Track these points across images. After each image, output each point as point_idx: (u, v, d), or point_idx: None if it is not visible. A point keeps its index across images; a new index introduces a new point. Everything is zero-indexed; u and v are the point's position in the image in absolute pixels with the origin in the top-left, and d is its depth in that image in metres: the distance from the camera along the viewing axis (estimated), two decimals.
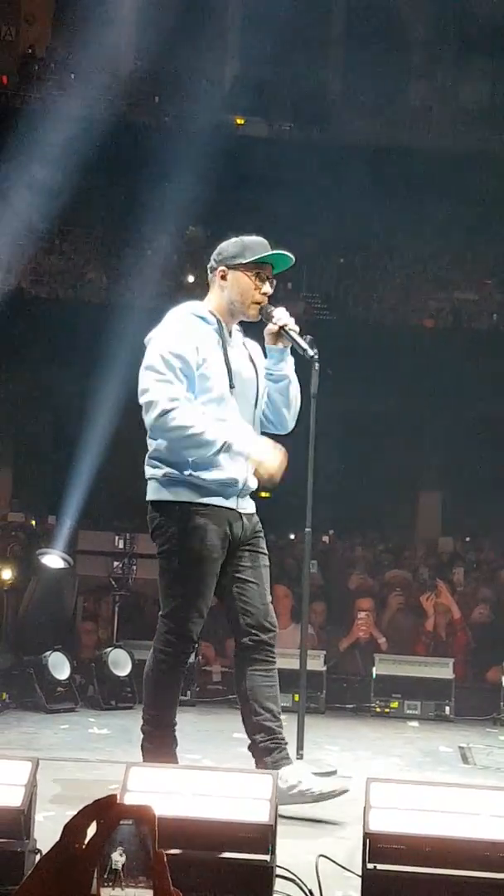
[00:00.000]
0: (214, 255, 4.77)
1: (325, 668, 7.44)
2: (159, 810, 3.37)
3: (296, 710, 5.76)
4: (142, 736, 4.70)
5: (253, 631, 4.60)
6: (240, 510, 4.61)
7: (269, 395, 4.74)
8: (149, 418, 4.50)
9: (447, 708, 7.22)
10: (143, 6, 15.25)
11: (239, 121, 17.53)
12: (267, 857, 3.41)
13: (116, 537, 8.78)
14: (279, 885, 3.41)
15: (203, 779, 3.61)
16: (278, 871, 3.45)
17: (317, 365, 5.53)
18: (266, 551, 4.76)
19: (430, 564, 12.66)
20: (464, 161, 16.05)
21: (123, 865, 1.80)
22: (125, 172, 16.02)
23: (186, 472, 4.52)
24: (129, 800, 3.48)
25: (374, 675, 7.44)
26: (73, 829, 1.57)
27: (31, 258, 17.11)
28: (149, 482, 4.65)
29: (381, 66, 15.69)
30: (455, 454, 17.60)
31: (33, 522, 13.44)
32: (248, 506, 4.69)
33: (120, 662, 7.60)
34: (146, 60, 17.14)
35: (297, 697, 5.89)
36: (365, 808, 3.47)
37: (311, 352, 4.70)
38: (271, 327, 4.66)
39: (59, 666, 7.47)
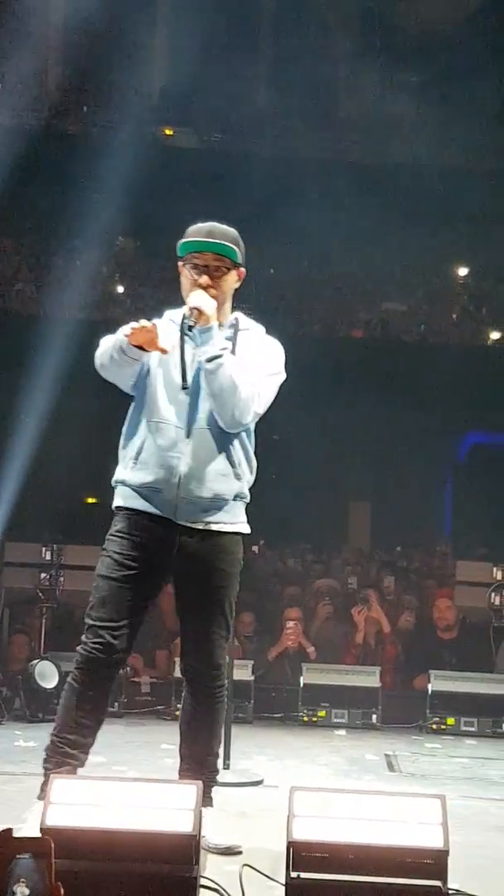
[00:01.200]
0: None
1: (252, 678, 7.44)
2: (80, 822, 3.36)
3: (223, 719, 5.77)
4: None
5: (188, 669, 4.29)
6: (179, 521, 4.12)
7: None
8: None
9: (374, 716, 7.27)
10: (72, 16, 15.21)
11: (168, 131, 17.53)
12: (191, 868, 3.40)
13: (43, 548, 8.73)
14: (204, 895, 3.41)
15: (127, 790, 3.59)
16: (203, 882, 3.45)
17: None
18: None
19: (358, 574, 12.71)
20: (392, 172, 16.18)
21: None
22: (54, 182, 15.95)
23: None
24: (53, 812, 3.45)
25: (301, 684, 7.46)
26: None
27: None
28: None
29: (309, 78, 15.76)
30: (384, 464, 17.71)
31: None
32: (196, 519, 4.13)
33: (47, 675, 7.55)
34: (74, 70, 17.09)
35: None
36: (288, 817, 3.48)
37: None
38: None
39: None
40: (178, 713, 7.37)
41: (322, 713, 7.32)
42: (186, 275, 4.24)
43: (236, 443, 4.20)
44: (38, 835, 1.77)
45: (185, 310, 4.18)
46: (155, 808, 3.49)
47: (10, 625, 8.99)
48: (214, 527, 4.13)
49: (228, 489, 4.15)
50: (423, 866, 3.43)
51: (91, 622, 4.12)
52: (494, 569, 9.42)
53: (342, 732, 7.12)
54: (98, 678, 4.16)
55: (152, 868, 3.39)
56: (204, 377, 4.11)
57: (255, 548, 14.57)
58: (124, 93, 17.34)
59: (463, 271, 18.99)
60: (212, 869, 3.50)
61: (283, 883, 3.41)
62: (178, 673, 7.55)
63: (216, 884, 3.42)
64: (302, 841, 3.44)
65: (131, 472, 4.17)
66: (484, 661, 8.38)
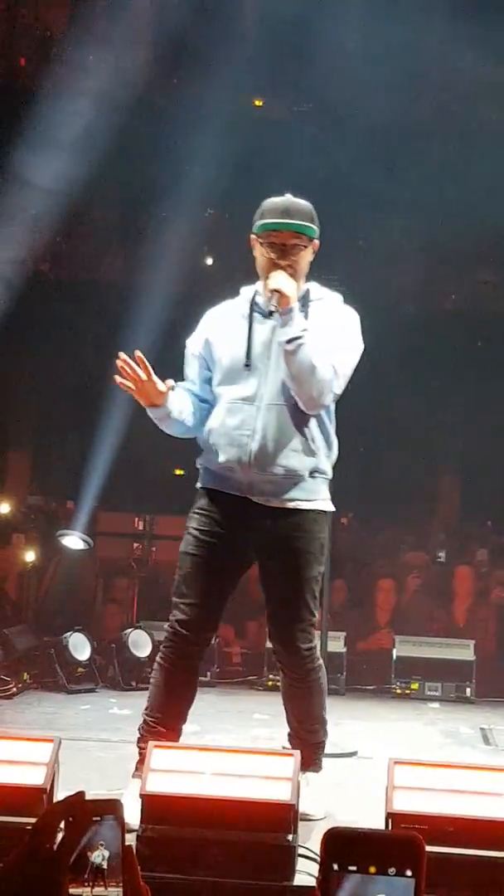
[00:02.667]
0: None
1: (345, 650, 7.43)
2: (180, 789, 3.39)
3: None
4: None
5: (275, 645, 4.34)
6: (254, 499, 4.11)
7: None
8: None
9: (468, 689, 7.21)
10: None
11: (257, 102, 17.45)
12: (289, 836, 3.42)
13: (136, 519, 8.80)
14: (301, 864, 3.42)
15: (225, 759, 3.61)
16: (300, 851, 3.45)
17: None
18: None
19: (448, 546, 12.62)
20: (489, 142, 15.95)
21: (107, 864, 1.80)
22: (144, 155, 15.98)
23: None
24: (153, 780, 3.48)
25: (394, 657, 7.43)
26: (41, 829, 1.53)
27: (48, 243, 17.11)
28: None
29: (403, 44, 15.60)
30: (476, 437, 17.54)
31: (53, 505, 13.47)
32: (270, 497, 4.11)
33: (140, 643, 7.62)
34: (164, 42, 17.07)
35: None
36: (388, 788, 3.47)
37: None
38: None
39: (80, 647, 7.50)
40: (269, 683, 7.46)
41: (415, 685, 7.29)
42: (262, 252, 4.20)
43: (312, 418, 4.13)
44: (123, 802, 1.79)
45: (259, 287, 4.21)
46: (253, 776, 3.52)
47: (104, 594, 9.09)
48: (290, 504, 4.09)
49: (302, 465, 4.09)
50: None
51: (175, 599, 4.14)
52: None
53: (436, 705, 7.09)
54: (185, 655, 4.19)
55: (251, 836, 3.41)
56: (283, 359, 4.05)
57: (343, 520, 14.58)
58: (214, 64, 17.28)
59: None
60: (307, 837, 3.50)
61: None
62: (269, 643, 7.62)
63: (314, 853, 3.42)
64: (401, 812, 3.44)
65: (207, 453, 4.20)
66: None
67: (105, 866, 1.90)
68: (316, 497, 4.15)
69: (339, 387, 4.13)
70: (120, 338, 12.55)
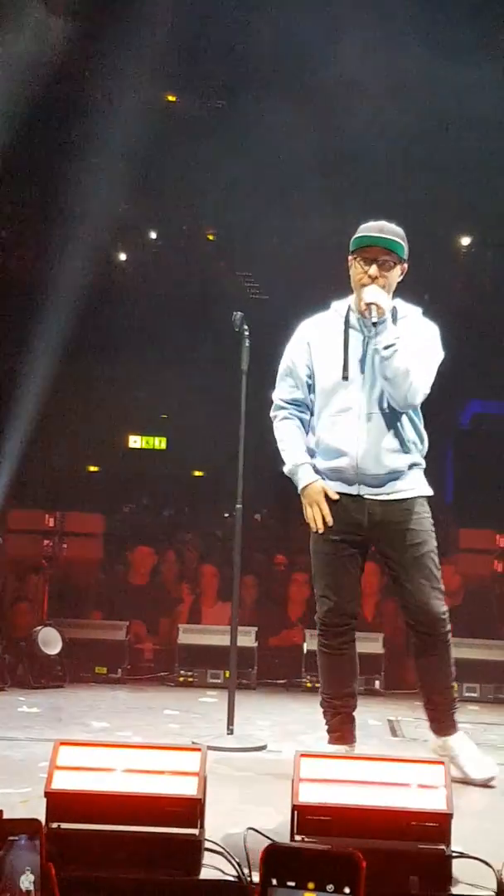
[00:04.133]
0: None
1: (256, 645, 7.46)
2: (87, 786, 3.39)
3: (227, 686, 5.80)
4: None
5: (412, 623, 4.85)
6: (364, 496, 4.73)
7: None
8: None
9: (377, 682, 7.27)
10: None
11: (170, 98, 17.41)
12: (196, 831, 3.42)
13: (47, 515, 8.75)
14: (208, 858, 3.43)
15: (133, 755, 3.61)
16: (207, 845, 3.46)
17: (247, 341, 5.62)
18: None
19: None
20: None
21: (34, 885, 1.79)
22: (55, 148, 15.86)
23: None
24: (58, 777, 3.47)
25: (304, 651, 7.47)
26: None
27: None
28: None
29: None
30: None
31: None
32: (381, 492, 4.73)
33: (50, 641, 7.57)
34: (75, 36, 16.95)
35: (227, 674, 5.92)
36: (294, 780, 3.50)
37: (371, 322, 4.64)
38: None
39: None
40: (180, 679, 7.46)
41: None
42: (357, 268, 4.72)
43: (404, 419, 4.77)
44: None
45: (352, 303, 4.75)
46: (160, 772, 3.52)
47: (13, 592, 9.02)
48: (395, 495, 4.75)
49: (402, 462, 4.76)
50: (426, 829, 3.45)
51: (319, 593, 4.90)
52: (497, 536, 9.45)
53: None
54: (336, 639, 4.97)
55: (157, 831, 3.41)
56: (379, 364, 4.64)
57: (257, 516, 14.62)
58: (126, 59, 17.19)
59: (465, 240, 18.93)
60: (216, 832, 3.51)
61: None
62: (181, 640, 7.62)
63: (220, 846, 3.43)
64: (307, 804, 3.46)
65: (319, 459, 4.79)
66: (486, 628, 8.40)
67: (33, 889, 1.90)
68: (415, 485, 4.83)
69: (427, 386, 4.78)
70: (30, 332, 12.50)
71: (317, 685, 7.27)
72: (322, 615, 4.91)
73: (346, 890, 1.73)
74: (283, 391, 4.90)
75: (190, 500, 18.15)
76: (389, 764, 3.70)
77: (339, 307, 4.86)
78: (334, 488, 4.74)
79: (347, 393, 4.71)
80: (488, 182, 14.14)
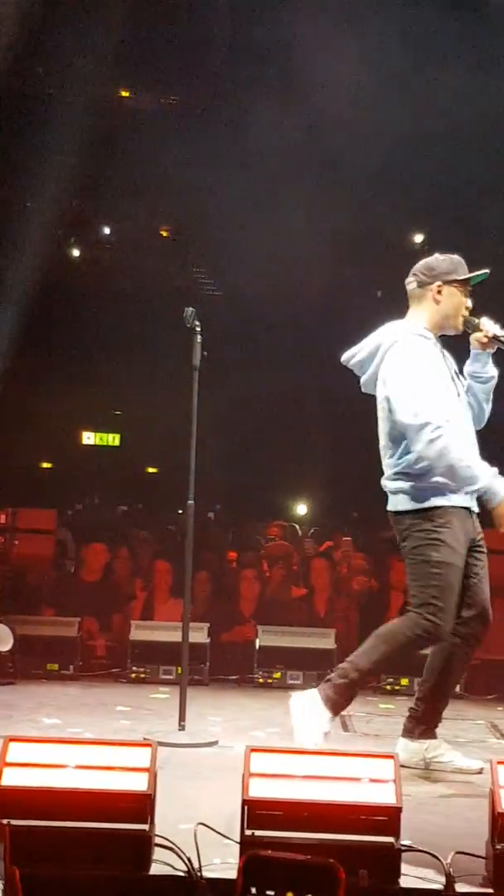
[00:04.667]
0: (424, 270, 5.18)
1: (208, 641, 7.47)
2: (38, 782, 3.38)
3: (179, 682, 5.80)
4: (333, 682, 5.00)
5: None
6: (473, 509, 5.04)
7: (474, 394, 5.22)
8: (423, 438, 4.81)
9: None
10: None
11: (124, 93, 17.38)
12: (146, 827, 3.43)
13: None
14: (158, 853, 3.43)
15: (83, 751, 3.61)
16: (157, 840, 3.47)
17: (199, 337, 5.63)
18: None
19: (314, 536, 12.78)
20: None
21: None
22: (9, 143, 15.78)
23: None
24: (9, 774, 3.46)
25: (257, 647, 7.49)
26: None
27: None
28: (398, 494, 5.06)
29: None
30: (339, 437, 17.73)
31: None
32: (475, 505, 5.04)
33: (1, 638, 7.54)
34: (27, 31, 16.86)
35: (179, 670, 5.92)
36: (244, 775, 3.51)
37: None
38: (480, 336, 5.14)
39: None
40: (132, 675, 7.45)
41: (277, 675, 7.36)
42: (460, 297, 5.15)
43: None
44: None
45: (424, 323, 5.14)
46: (110, 768, 3.52)
47: None
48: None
49: None
50: (376, 823, 3.48)
51: (440, 604, 4.89)
52: None
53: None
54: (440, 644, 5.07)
55: (107, 826, 3.42)
56: (487, 387, 5.23)
57: (210, 514, 14.65)
58: (80, 54, 17.13)
59: (419, 237, 19.02)
60: (166, 827, 3.51)
61: (238, 841, 3.44)
62: (133, 636, 7.62)
63: (170, 841, 3.44)
64: (257, 799, 3.48)
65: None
66: None
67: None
68: None
69: None
70: None
71: (269, 681, 7.36)
72: (440, 623, 4.87)
73: None
74: (439, 406, 4.87)
75: (143, 496, 18.14)
76: (339, 759, 3.72)
77: (415, 328, 5.12)
78: (466, 502, 5.00)
79: (458, 410, 5.04)
80: (441, 180, 14.24)
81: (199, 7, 14.07)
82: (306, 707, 4.96)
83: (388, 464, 5.08)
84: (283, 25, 12.90)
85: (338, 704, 4.99)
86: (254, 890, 1.76)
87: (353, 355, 5.32)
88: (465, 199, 14.68)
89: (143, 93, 17.24)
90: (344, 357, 5.38)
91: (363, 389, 5.33)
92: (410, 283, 5.22)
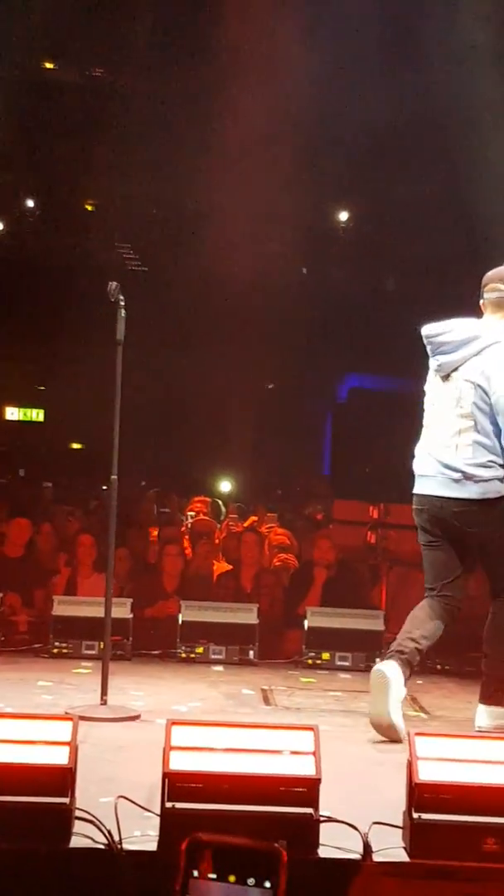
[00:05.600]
0: None
1: (131, 616, 7.46)
2: None
3: (101, 657, 5.80)
4: None
5: None
6: None
7: None
8: None
9: (251, 652, 7.34)
10: None
11: (48, 64, 17.18)
12: (66, 800, 3.44)
13: None
14: (78, 827, 3.44)
15: (3, 725, 3.61)
16: (77, 814, 3.48)
17: (123, 312, 5.61)
18: None
19: (239, 513, 12.82)
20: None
21: None
22: None
23: None
24: None
25: (180, 622, 7.51)
26: None
27: None
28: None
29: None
30: (264, 406, 17.79)
31: None
32: None
33: None
34: None
35: (101, 645, 5.92)
36: (164, 749, 3.53)
37: None
38: None
39: None
40: (54, 651, 7.42)
41: (200, 649, 7.38)
42: None
43: None
44: None
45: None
46: (31, 742, 3.52)
47: None
48: None
49: None
50: (295, 794, 3.52)
51: None
52: (371, 508, 9.59)
53: (220, 668, 7.20)
54: None
55: (27, 800, 3.42)
56: None
57: (153, 491, 14.70)
58: (3, 25, 16.89)
59: (343, 215, 19.06)
60: (86, 800, 3.52)
61: (158, 813, 3.46)
62: (56, 611, 7.59)
63: (90, 814, 3.45)
64: (177, 772, 3.50)
65: None
66: (359, 597, 8.55)
67: None
68: None
69: None
70: None
71: (191, 656, 7.38)
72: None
73: (267, 884, 1.76)
74: None
75: (68, 472, 18.05)
76: (260, 731, 3.75)
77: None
78: None
79: None
80: (365, 158, 14.28)
81: None
82: None
83: (479, 452, 5.36)
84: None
85: None
86: (195, 873, 1.77)
87: (439, 333, 5.50)
88: (387, 177, 14.76)
89: (69, 64, 17.06)
90: (428, 330, 5.54)
91: (437, 370, 5.52)
92: (493, 293, 5.55)
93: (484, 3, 11.55)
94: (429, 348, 5.53)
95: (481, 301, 5.61)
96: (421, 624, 5.38)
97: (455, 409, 5.41)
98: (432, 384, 5.57)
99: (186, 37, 13.46)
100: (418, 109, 12.84)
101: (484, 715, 5.36)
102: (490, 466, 5.32)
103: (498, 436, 5.33)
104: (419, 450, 5.58)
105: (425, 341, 5.53)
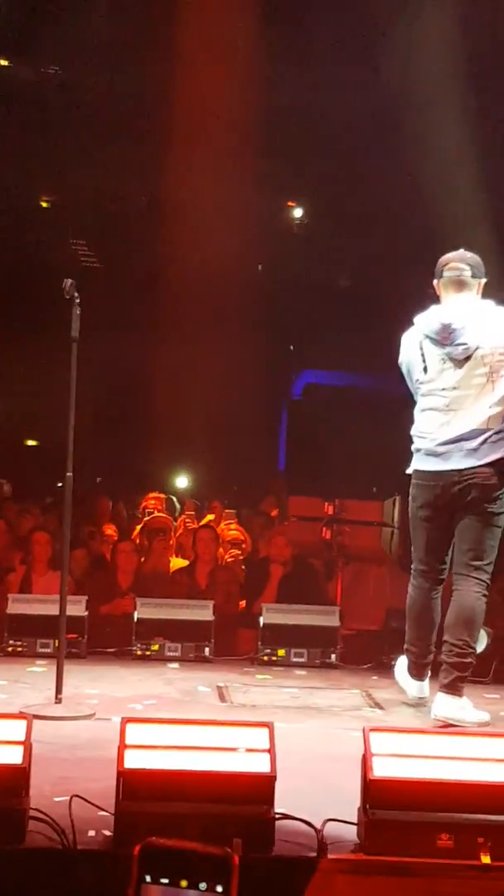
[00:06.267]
0: (476, 264, 5.83)
1: (86, 613, 7.43)
2: None
3: (56, 655, 5.78)
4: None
5: None
6: None
7: None
8: None
9: (207, 649, 7.34)
10: None
11: (2, 62, 17.07)
12: (21, 800, 3.43)
13: None
14: (32, 826, 3.43)
15: None
16: (32, 813, 3.47)
17: (78, 309, 5.59)
18: None
19: (195, 510, 12.80)
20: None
21: None
22: None
23: None
24: None
25: (135, 619, 7.48)
26: None
27: None
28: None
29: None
30: (219, 400, 17.77)
31: None
32: None
33: None
34: None
35: (56, 643, 5.90)
36: (119, 747, 3.52)
37: None
38: None
39: None
40: (10, 649, 7.38)
41: (156, 647, 7.36)
42: None
43: None
44: None
45: None
46: None
47: None
48: None
49: None
50: (251, 791, 3.53)
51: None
52: (326, 504, 9.61)
53: (175, 665, 7.19)
54: None
55: None
56: None
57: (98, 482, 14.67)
58: None
59: (297, 212, 19.08)
60: (41, 800, 3.51)
61: (113, 812, 3.46)
62: (10, 610, 7.55)
63: (45, 814, 3.45)
64: (132, 770, 3.50)
65: None
66: (315, 593, 8.57)
67: None
68: None
69: None
70: None
71: (147, 653, 7.36)
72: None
73: (219, 889, 1.77)
74: None
75: (23, 469, 17.96)
76: (215, 728, 3.76)
77: None
78: None
79: None
80: (320, 155, 14.32)
81: None
82: None
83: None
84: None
85: None
86: (148, 878, 1.78)
87: (452, 321, 5.71)
88: (342, 175, 14.80)
89: (24, 62, 16.97)
90: (446, 319, 5.73)
91: (456, 355, 5.71)
92: (453, 272, 5.79)
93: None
94: (442, 338, 5.73)
95: (437, 280, 5.85)
96: (427, 624, 5.89)
97: (486, 384, 5.69)
98: (440, 369, 5.76)
99: (141, 34, 13.42)
100: (371, 107, 12.89)
101: (442, 703, 5.48)
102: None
103: None
104: (430, 429, 5.78)
105: (444, 332, 5.72)
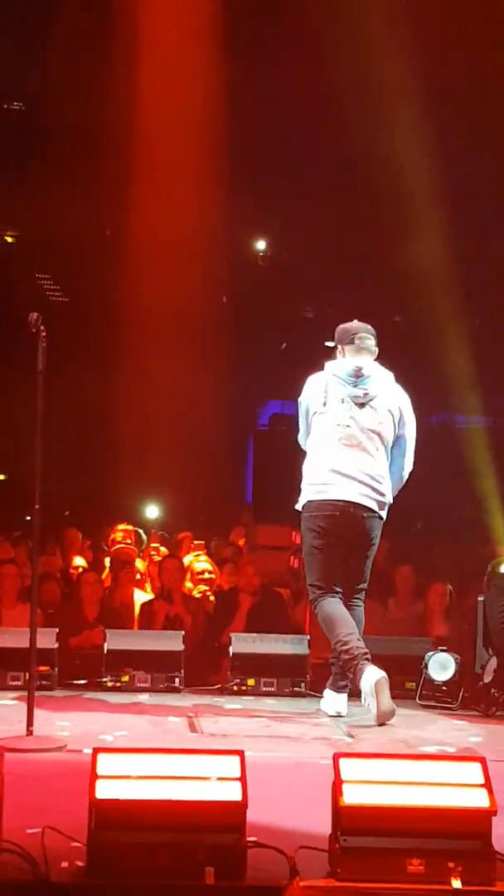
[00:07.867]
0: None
1: (56, 646, 7.42)
2: None
3: (27, 687, 5.77)
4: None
5: None
6: None
7: None
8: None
9: (177, 679, 7.33)
10: None
11: None
12: None
13: None
14: (4, 858, 3.44)
15: None
16: (3, 846, 3.47)
17: (44, 343, 5.63)
18: None
19: (164, 543, 12.80)
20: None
21: None
22: None
23: None
24: None
25: (105, 650, 7.48)
26: None
27: None
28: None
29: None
30: (187, 433, 17.79)
31: None
32: None
33: None
34: None
35: (27, 676, 5.90)
36: (91, 778, 3.54)
37: None
38: None
39: None
40: None
41: (126, 678, 7.36)
42: None
43: None
44: None
45: None
46: None
47: None
48: None
49: None
50: (223, 820, 3.55)
51: None
52: (294, 533, 9.65)
53: (146, 696, 7.19)
54: None
55: None
56: None
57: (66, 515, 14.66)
58: None
59: (261, 244, 19.18)
60: (13, 832, 3.52)
61: (86, 843, 3.47)
62: None
63: (17, 846, 3.45)
64: (104, 800, 3.51)
65: None
66: (283, 622, 8.60)
67: None
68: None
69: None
70: None
71: (118, 684, 7.36)
72: None
73: None
74: None
75: None
76: (186, 757, 3.78)
77: None
78: None
79: None
80: (282, 186, 14.43)
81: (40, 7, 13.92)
82: None
83: (386, 472, 6.58)
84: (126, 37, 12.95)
85: None
86: None
87: (362, 367, 6.54)
88: (306, 206, 14.91)
89: None
90: (357, 364, 6.55)
91: (355, 398, 6.51)
92: (370, 340, 6.63)
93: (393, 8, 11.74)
94: (351, 379, 6.48)
95: (343, 346, 6.67)
96: (353, 624, 6.41)
97: (373, 433, 6.54)
98: (339, 407, 6.50)
99: (103, 69, 13.51)
100: (332, 138, 13.02)
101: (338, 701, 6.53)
102: (387, 489, 6.59)
103: (391, 462, 6.62)
104: (323, 462, 6.52)
105: (354, 374, 6.49)
